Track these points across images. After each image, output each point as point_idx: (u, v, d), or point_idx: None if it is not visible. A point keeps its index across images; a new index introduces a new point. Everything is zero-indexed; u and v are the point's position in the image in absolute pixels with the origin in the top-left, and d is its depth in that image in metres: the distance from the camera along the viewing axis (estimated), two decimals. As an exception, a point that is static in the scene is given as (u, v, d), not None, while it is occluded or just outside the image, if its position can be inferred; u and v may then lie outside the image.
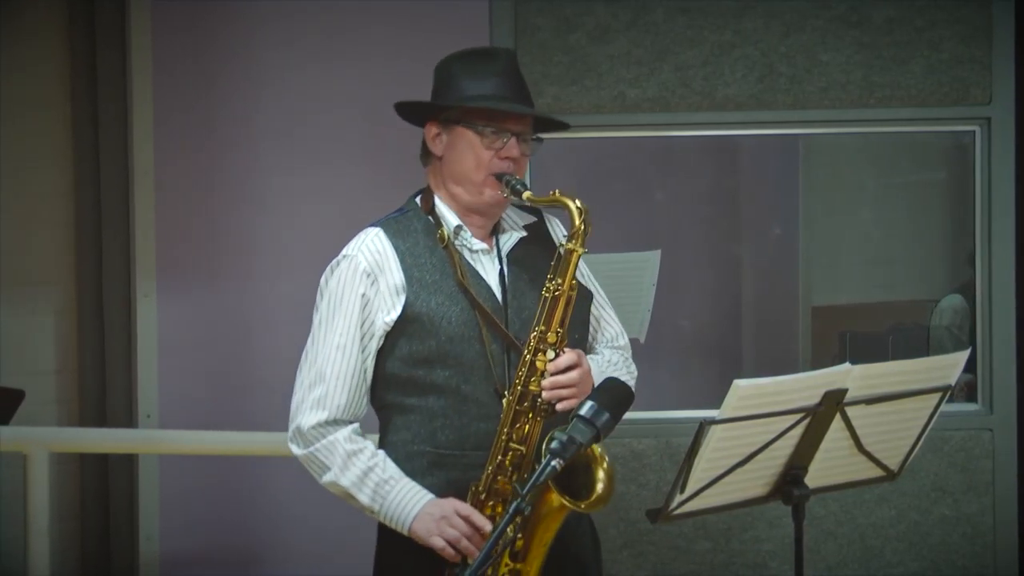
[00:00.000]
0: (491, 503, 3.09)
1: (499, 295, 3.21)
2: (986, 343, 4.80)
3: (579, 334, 3.26)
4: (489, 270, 3.23)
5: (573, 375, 3.09)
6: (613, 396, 2.94)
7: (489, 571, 3.01)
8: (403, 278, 3.16)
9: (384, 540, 3.24)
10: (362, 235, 3.23)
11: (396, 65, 5.16)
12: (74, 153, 5.25)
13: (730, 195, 5.63)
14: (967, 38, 4.73)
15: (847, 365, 2.99)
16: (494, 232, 3.28)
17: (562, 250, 3.13)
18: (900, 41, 4.74)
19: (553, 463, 2.82)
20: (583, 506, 3.02)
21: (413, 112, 3.30)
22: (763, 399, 2.92)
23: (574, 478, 3.03)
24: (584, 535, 3.32)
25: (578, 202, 3.11)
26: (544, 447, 2.90)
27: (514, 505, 2.79)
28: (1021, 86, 4.79)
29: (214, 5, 5.26)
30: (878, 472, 3.21)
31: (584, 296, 3.29)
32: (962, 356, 3.17)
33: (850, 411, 3.03)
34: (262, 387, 5.24)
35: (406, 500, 3.09)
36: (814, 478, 3.11)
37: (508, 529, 2.80)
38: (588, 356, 3.24)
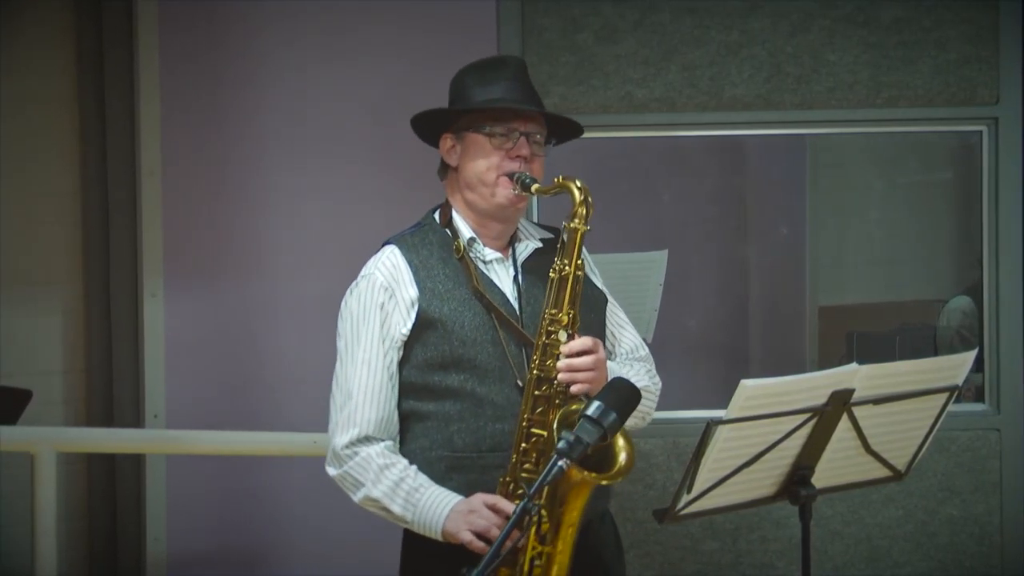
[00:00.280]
0: (520, 492, 3.10)
1: (513, 300, 3.25)
2: (993, 343, 4.80)
3: (594, 314, 3.30)
4: (503, 278, 3.28)
5: (588, 360, 3.11)
6: (620, 396, 2.94)
7: (520, 557, 3.02)
8: (416, 290, 3.21)
9: (409, 547, 3.28)
10: (378, 254, 3.30)
11: (403, 65, 5.16)
12: (81, 152, 5.25)
13: (737, 195, 5.63)
14: (975, 38, 4.73)
15: (854, 365, 2.99)
16: (511, 244, 3.33)
17: (566, 232, 3.17)
18: (907, 41, 4.73)
19: (560, 463, 2.82)
20: (605, 479, 3.01)
21: (426, 123, 3.35)
22: (770, 399, 2.92)
23: (594, 451, 3.02)
24: (608, 539, 3.35)
25: (578, 182, 3.17)
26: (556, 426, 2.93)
27: (521, 505, 2.79)
28: (1029, 86, 4.79)
29: (221, 4, 5.26)
30: (885, 472, 3.21)
31: (598, 298, 3.35)
32: (969, 356, 3.17)
33: (857, 411, 3.03)
34: (269, 387, 5.25)
35: (436, 504, 3.12)
36: (821, 478, 3.11)
37: (516, 529, 2.80)
38: (610, 362, 3.26)
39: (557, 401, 3.11)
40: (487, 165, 3.23)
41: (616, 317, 3.43)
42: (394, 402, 3.23)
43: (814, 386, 2.97)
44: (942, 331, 5.18)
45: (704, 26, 4.73)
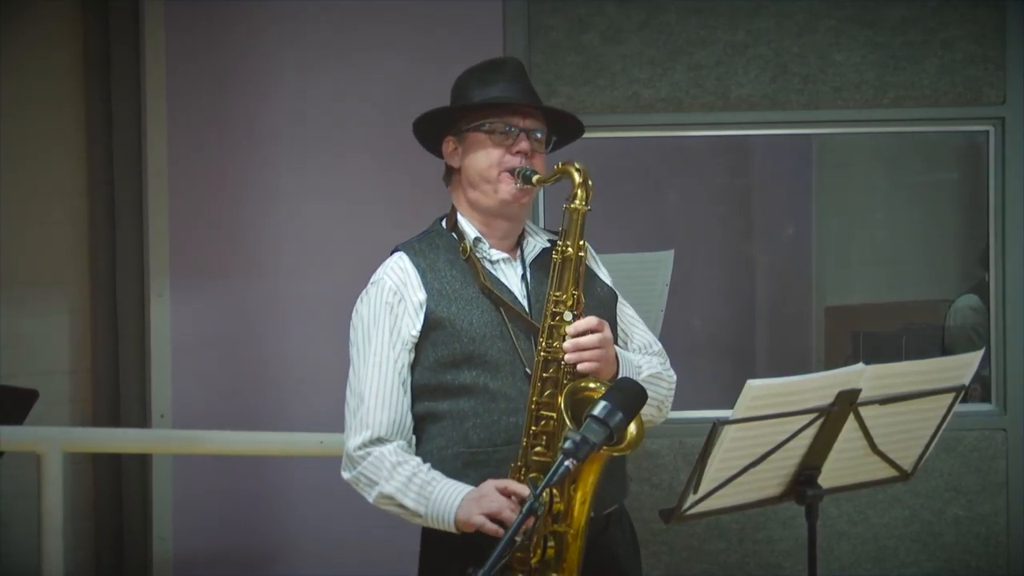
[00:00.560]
0: (532, 475, 3.10)
1: (522, 297, 3.27)
2: (1000, 343, 4.80)
3: (605, 312, 3.30)
4: (511, 276, 3.30)
5: (594, 338, 3.12)
6: (627, 396, 2.94)
7: (535, 538, 3.02)
8: (424, 293, 3.24)
9: (428, 545, 3.29)
10: (386, 261, 3.32)
11: (409, 66, 5.16)
12: (87, 152, 5.25)
13: (743, 195, 5.63)
14: (981, 38, 4.73)
15: (860, 365, 2.99)
16: (518, 244, 3.35)
17: (566, 213, 3.19)
18: (914, 41, 4.73)
19: (567, 463, 2.81)
20: (615, 451, 3.01)
21: (428, 129, 3.38)
22: (776, 399, 2.92)
23: None
24: (624, 539, 3.35)
25: (577, 164, 3.20)
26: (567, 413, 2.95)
27: (527, 505, 2.80)
28: (1034, 86, 4.79)
29: (227, 3, 5.26)
30: (892, 472, 3.21)
31: (608, 296, 3.36)
32: (976, 356, 3.16)
33: (864, 411, 3.03)
34: (275, 387, 5.25)
35: (448, 495, 3.12)
36: (827, 478, 3.11)
37: (522, 530, 2.80)
38: (625, 352, 3.27)
39: (564, 382, 3.12)
40: (488, 162, 3.26)
41: (627, 315, 3.44)
42: (406, 404, 3.24)
43: (820, 386, 2.97)
44: (951, 330, 5.17)
45: (710, 26, 4.74)
